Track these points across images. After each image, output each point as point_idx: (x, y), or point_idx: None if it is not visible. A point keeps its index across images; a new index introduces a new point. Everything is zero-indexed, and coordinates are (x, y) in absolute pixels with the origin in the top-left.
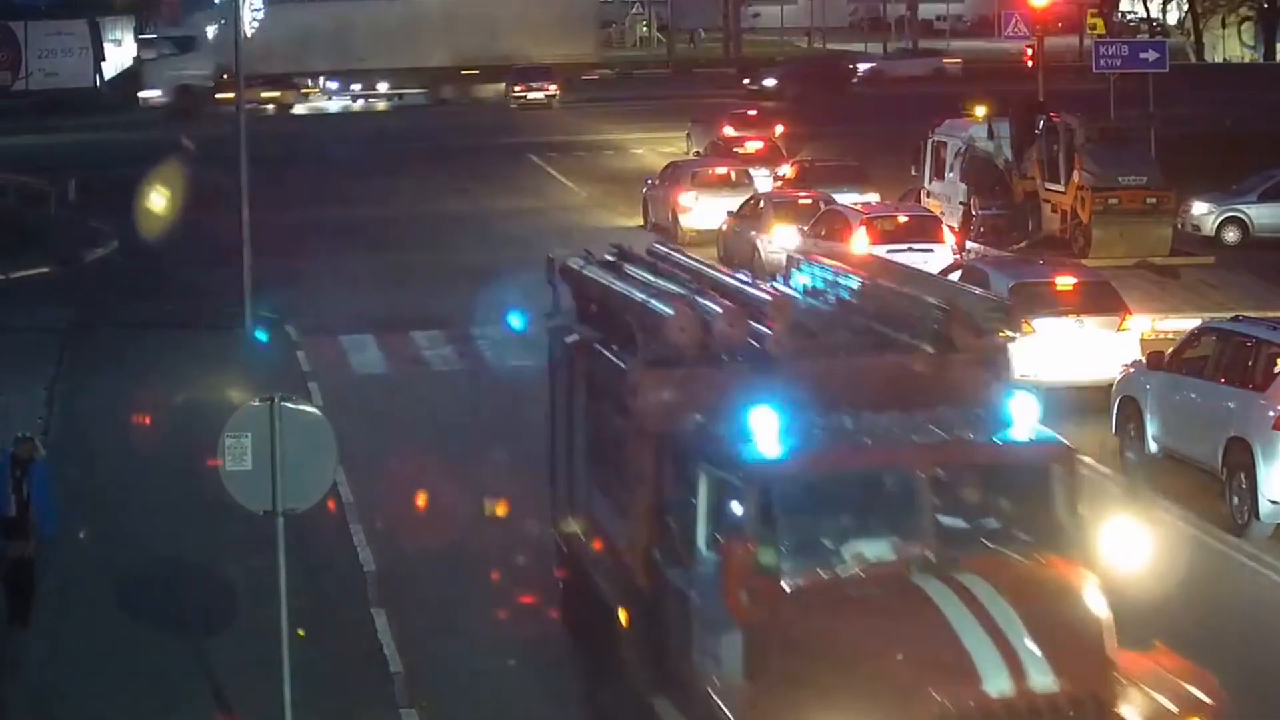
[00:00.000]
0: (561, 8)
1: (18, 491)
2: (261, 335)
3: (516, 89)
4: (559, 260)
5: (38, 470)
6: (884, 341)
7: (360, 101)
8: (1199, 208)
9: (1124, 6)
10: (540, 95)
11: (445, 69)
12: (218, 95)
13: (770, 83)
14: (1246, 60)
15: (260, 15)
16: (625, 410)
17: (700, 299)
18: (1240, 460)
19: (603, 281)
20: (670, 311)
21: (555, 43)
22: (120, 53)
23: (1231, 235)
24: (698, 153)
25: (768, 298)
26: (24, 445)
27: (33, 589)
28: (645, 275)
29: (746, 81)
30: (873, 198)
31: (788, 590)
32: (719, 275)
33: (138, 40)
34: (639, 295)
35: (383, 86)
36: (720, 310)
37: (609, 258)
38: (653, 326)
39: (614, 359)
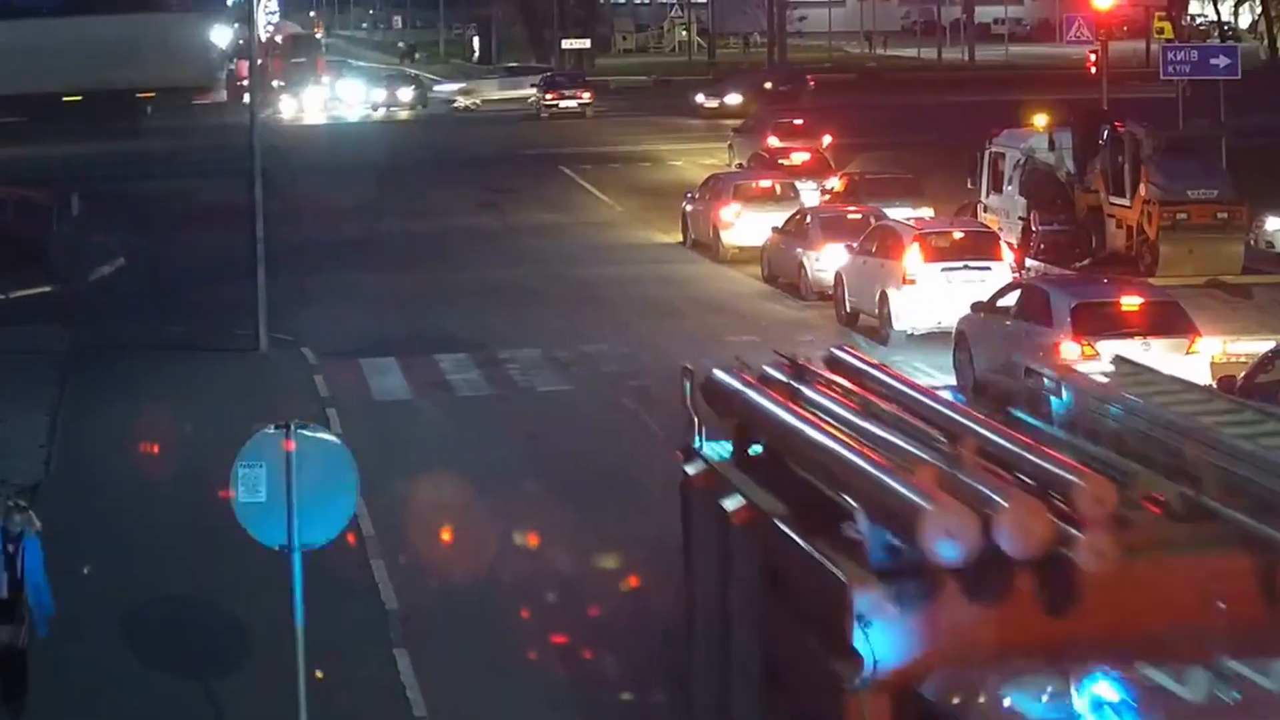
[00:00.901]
0: None
1: (9, 569)
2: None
3: (548, 97)
4: (701, 374)
5: (32, 545)
6: (1254, 540)
7: (381, 110)
8: (1273, 223)
9: (1193, 9)
10: (573, 103)
11: None
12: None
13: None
14: None
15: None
16: (838, 644)
17: (963, 470)
18: None
19: (787, 422)
20: (928, 504)
21: None
22: None
23: None
24: (740, 165)
25: (1070, 475)
26: (16, 516)
27: (25, 682)
28: (842, 410)
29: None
30: (926, 212)
31: None
32: (969, 421)
33: None
34: (863, 464)
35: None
36: (1008, 500)
37: (777, 373)
38: (895, 518)
39: (816, 556)
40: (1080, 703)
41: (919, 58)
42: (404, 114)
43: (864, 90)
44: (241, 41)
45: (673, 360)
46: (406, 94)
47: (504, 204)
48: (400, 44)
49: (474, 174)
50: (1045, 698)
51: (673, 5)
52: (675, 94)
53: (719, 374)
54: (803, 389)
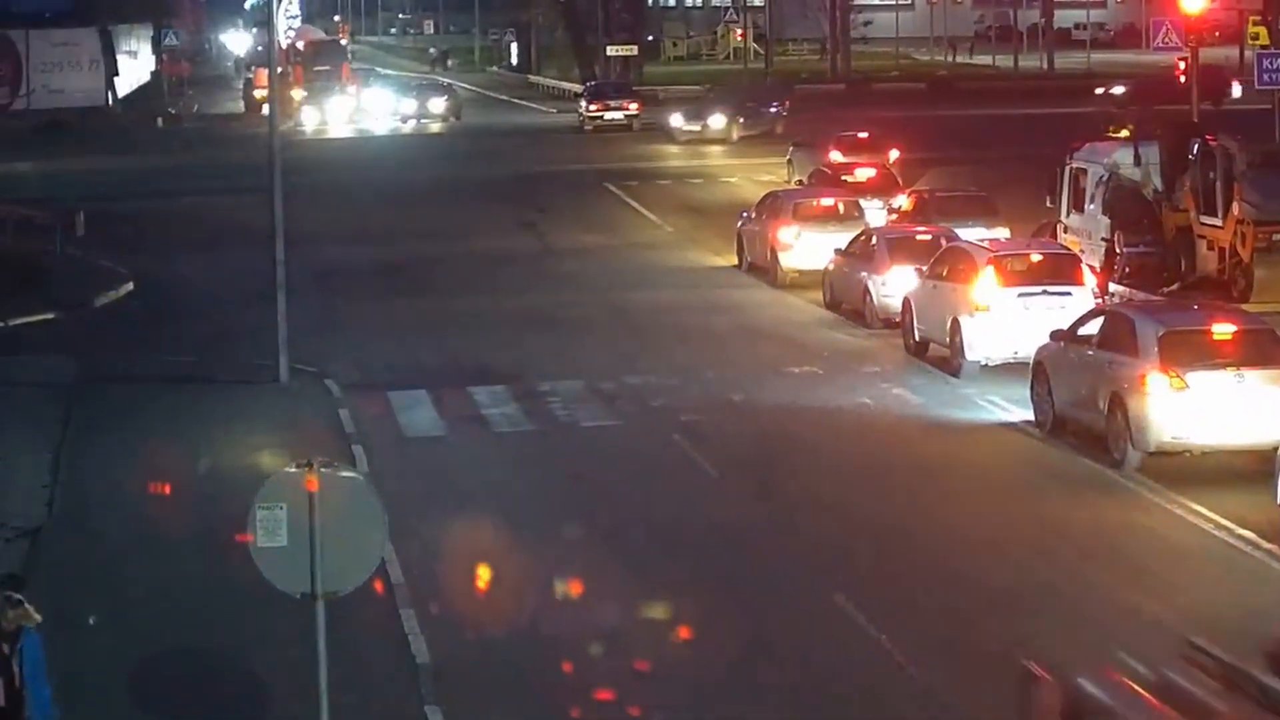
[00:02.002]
0: None
1: (5, 673)
2: None
3: (592, 108)
4: (1055, 686)
5: (31, 643)
6: None
7: (411, 123)
8: None
9: None
10: (619, 115)
11: None
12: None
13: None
14: None
15: (296, 22)
16: None
17: None
18: None
19: None
20: None
21: None
22: (136, 66)
23: None
24: (800, 181)
25: None
26: (13, 613)
27: None
28: None
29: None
30: (1002, 233)
31: None
32: None
33: (158, 52)
34: None
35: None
36: None
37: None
38: None
39: None
40: None
41: (994, 66)
42: (436, 126)
43: (934, 100)
44: (260, 48)
45: (726, 392)
46: (439, 104)
47: (544, 224)
48: (431, 50)
49: (512, 191)
50: None
51: (727, 9)
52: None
53: (1093, 689)
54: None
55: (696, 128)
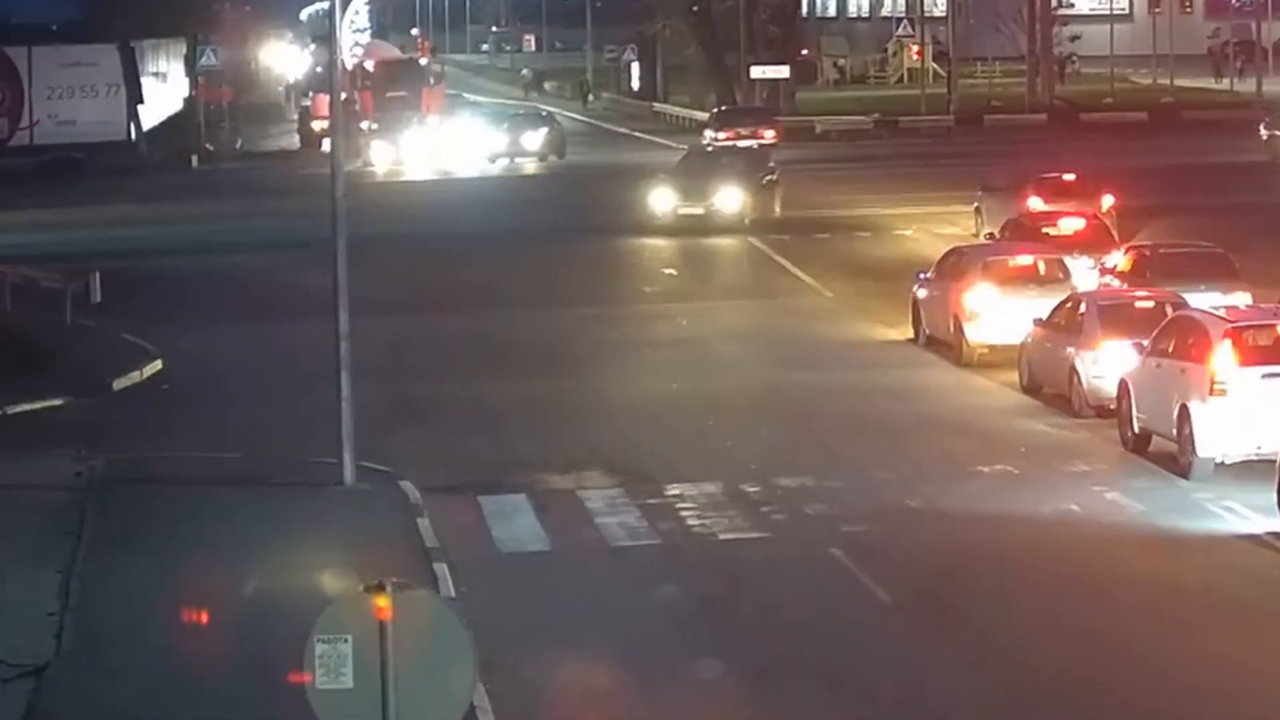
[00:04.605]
0: None
1: None
2: None
3: (721, 136)
4: None
5: None
6: None
7: (501, 162)
8: None
9: None
10: (753, 145)
11: None
12: None
13: None
14: None
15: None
16: None
17: None
18: None
19: None
20: None
21: None
22: (165, 92)
23: None
24: (991, 234)
25: None
26: None
27: None
28: None
29: None
30: (1242, 299)
31: None
32: None
33: (192, 74)
34: None
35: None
36: None
37: None
38: None
39: None
40: None
41: (1231, 90)
42: (531, 166)
43: (1158, 134)
44: (320, 69)
45: (900, 497)
46: (534, 140)
47: (669, 288)
48: (524, 71)
49: (630, 247)
50: None
51: (900, 20)
52: (903, 138)
53: None
54: None
55: (697, 209)
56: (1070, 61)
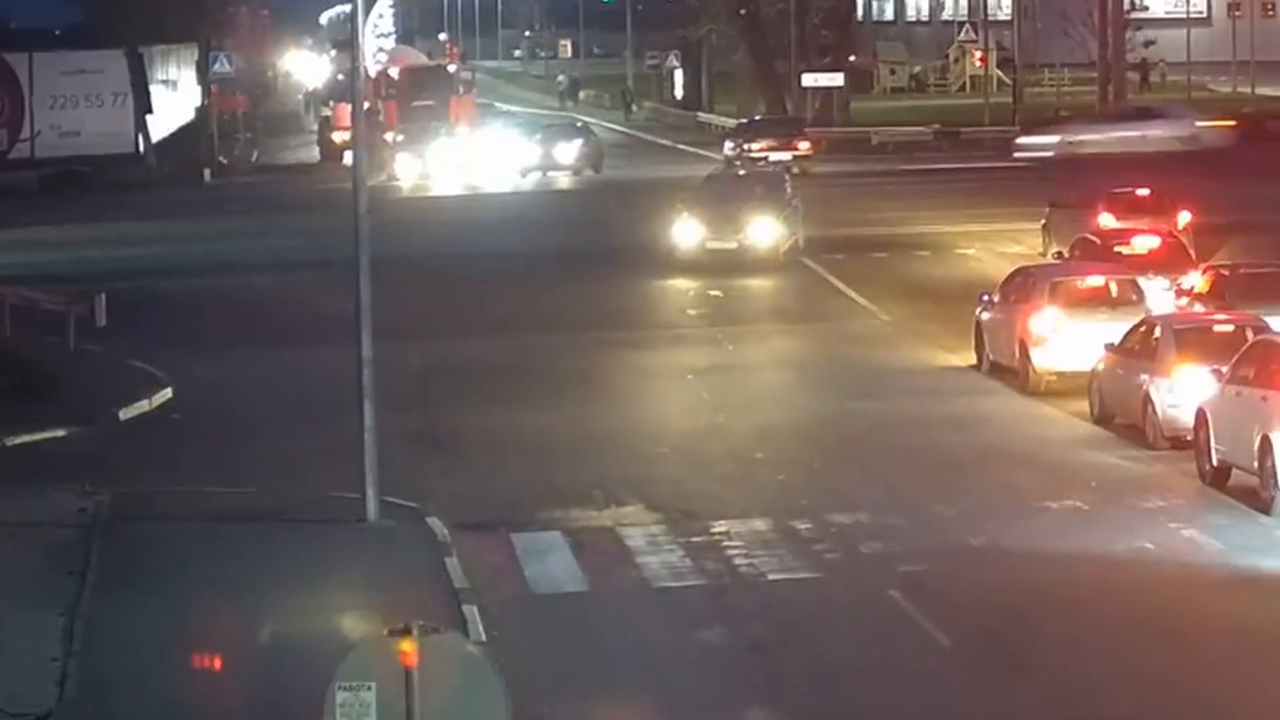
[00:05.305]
0: None
1: None
2: None
3: (754, 148)
4: None
5: None
6: None
7: (533, 176)
8: None
9: None
10: (786, 157)
11: None
12: None
13: None
14: None
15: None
16: None
17: None
18: None
19: None
20: None
21: None
22: (176, 101)
23: None
24: (1059, 254)
25: None
26: None
27: None
28: None
29: None
30: None
31: None
32: None
33: (204, 81)
34: None
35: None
36: None
37: None
38: None
39: None
40: None
41: None
42: (565, 180)
43: (1239, 145)
44: (341, 76)
45: (962, 535)
46: (568, 152)
47: (717, 311)
48: (559, 78)
49: (669, 265)
50: None
51: (962, 24)
52: (966, 150)
53: None
54: None
55: (730, 244)
56: (1156, 67)
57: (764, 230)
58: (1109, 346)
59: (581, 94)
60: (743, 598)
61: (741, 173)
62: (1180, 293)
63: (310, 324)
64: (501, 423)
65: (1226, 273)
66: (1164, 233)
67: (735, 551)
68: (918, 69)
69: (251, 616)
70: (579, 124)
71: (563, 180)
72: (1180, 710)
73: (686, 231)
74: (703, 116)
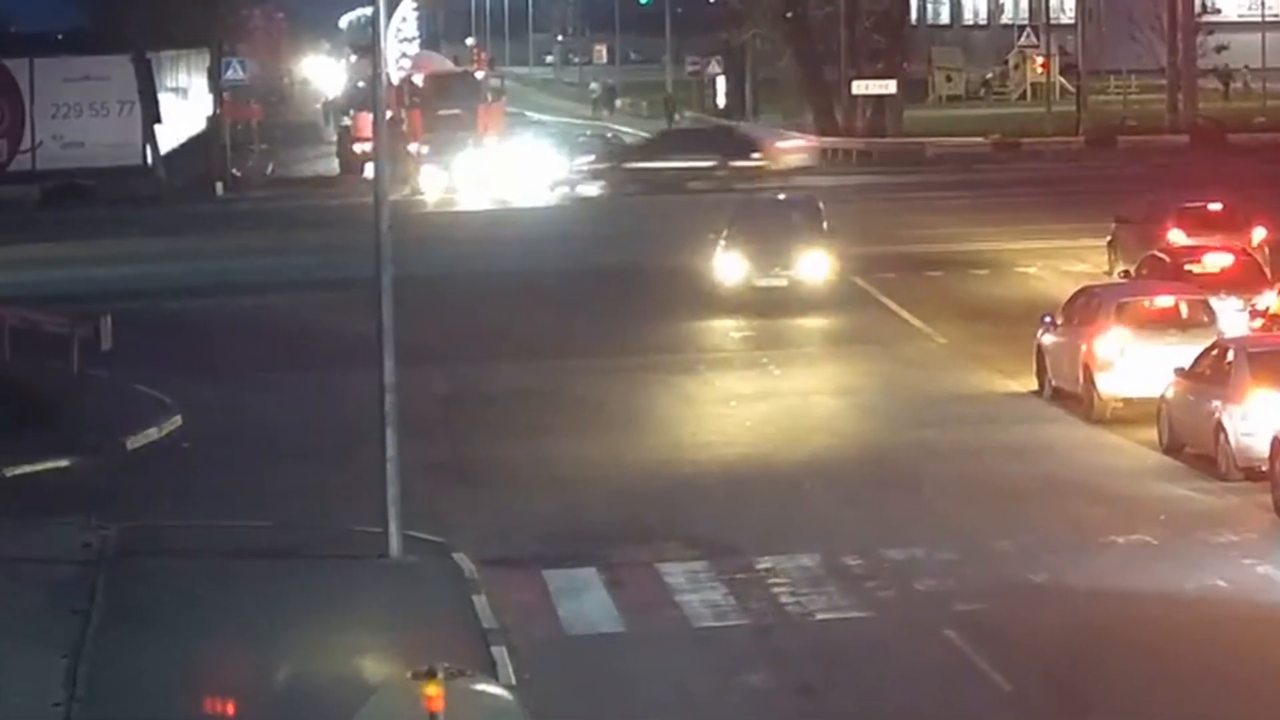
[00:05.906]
0: None
1: None
2: None
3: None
4: None
5: None
6: None
7: (560, 189)
8: None
9: None
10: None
11: None
12: None
13: None
14: None
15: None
16: None
17: None
18: None
19: None
20: None
21: None
22: (187, 109)
23: None
24: (1126, 272)
25: None
26: None
27: None
28: None
29: None
30: None
31: None
32: None
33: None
34: None
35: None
36: None
37: None
38: None
39: None
40: None
41: None
42: (594, 193)
43: None
44: (362, 84)
45: (1023, 571)
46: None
47: (759, 333)
48: (592, 85)
49: (709, 286)
50: None
51: (1023, 29)
52: (1026, 162)
53: None
54: None
55: (780, 281)
56: (1239, 75)
57: (814, 265)
58: (1179, 371)
59: (618, 102)
60: (789, 638)
61: (780, 197)
62: (1255, 314)
63: (329, 347)
64: (532, 452)
65: None
66: (1238, 250)
67: (781, 589)
68: (986, 75)
69: (266, 658)
70: (609, 135)
71: (590, 193)
72: None
73: (730, 267)
74: (745, 127)
